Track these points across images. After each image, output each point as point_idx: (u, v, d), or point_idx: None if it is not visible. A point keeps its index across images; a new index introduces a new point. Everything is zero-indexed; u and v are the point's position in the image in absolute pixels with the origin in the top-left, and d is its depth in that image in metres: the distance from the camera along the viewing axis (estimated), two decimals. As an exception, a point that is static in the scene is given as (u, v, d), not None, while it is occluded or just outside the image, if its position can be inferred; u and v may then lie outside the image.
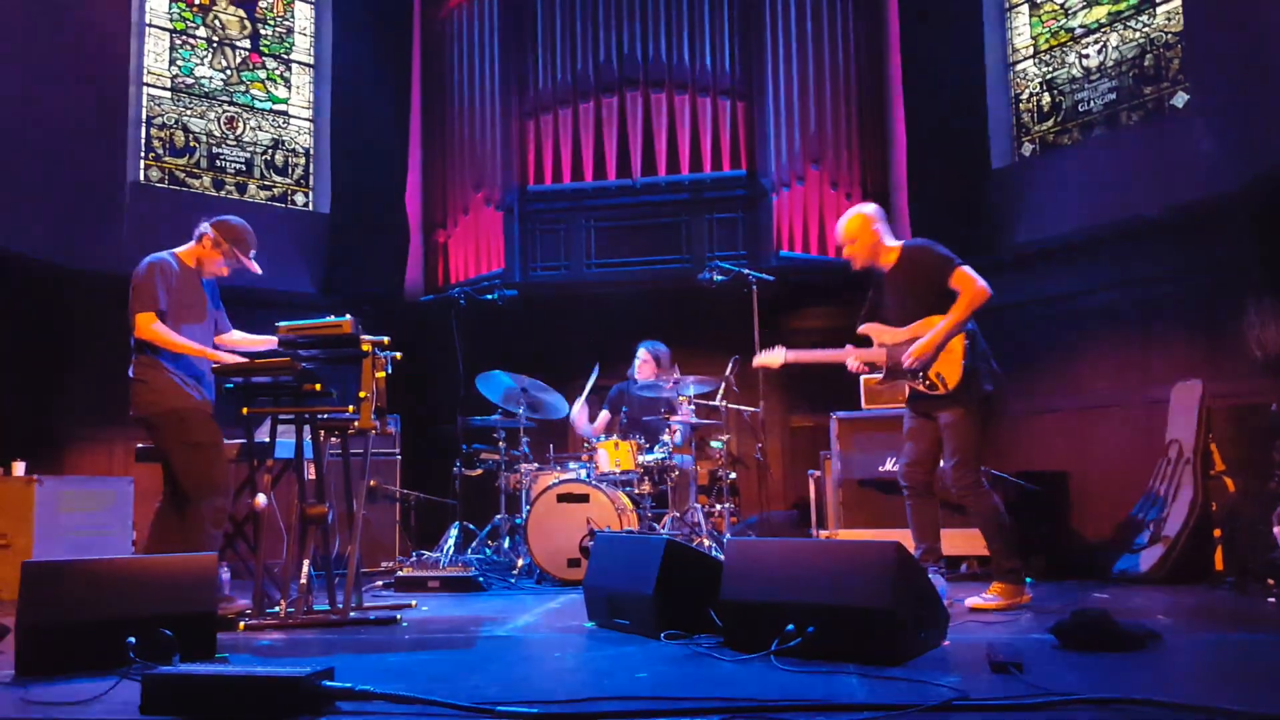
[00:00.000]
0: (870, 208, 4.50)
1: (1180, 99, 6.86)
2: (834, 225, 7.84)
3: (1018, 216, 7.52)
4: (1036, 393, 7.22)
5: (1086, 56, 7.54)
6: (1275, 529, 4.65)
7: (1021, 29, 8.01)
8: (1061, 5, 7.76)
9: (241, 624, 3.85)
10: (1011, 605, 4.09)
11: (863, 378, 5.99)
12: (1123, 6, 7.34)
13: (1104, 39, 7.44)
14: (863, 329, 4.50)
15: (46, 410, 7.14)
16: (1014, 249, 7.33)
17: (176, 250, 4.46)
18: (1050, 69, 7.78)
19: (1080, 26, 7.61)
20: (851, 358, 4.45)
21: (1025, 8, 8.00)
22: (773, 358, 4.64)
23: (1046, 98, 7.77)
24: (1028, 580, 5.02)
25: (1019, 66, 8.00)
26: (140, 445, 4.51)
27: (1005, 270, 7.30)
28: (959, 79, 7.76)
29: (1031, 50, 7.92)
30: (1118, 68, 7.32)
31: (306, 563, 4.10)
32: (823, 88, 8.15)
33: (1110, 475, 6.61)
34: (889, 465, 5.86)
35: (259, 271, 4.58)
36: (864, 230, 4.40)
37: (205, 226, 4.47)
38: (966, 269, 4.20)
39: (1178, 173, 6.43)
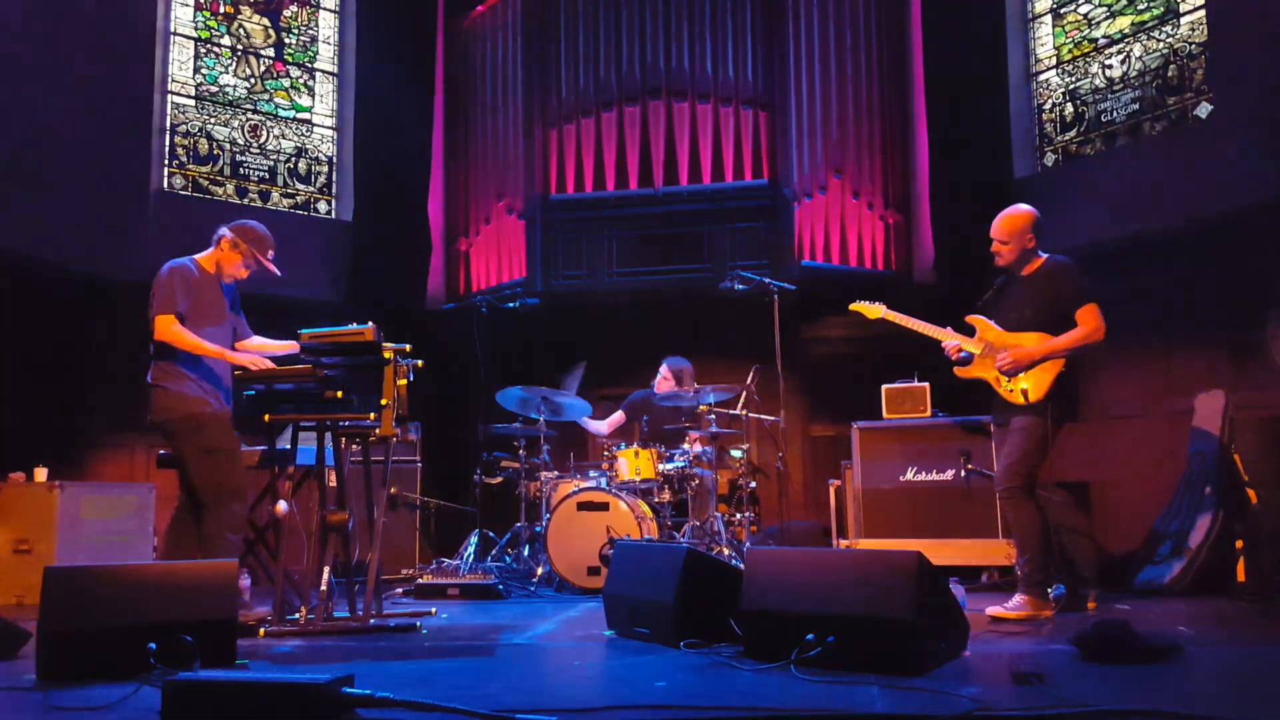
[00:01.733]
0: (1032, 210, 4.49)
1: (1204, 110, 6.81)
2: (855, 235, 7.97)
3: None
4: (1058, 403, 7.17)
5: (1109, 67, 7.50)
6: (1299, 541, 4.62)
7: (1045, 39, 7.98)
8: (1085, 16, 7.73)
9: (262, 630, 3.87)
10: (1034, 617, 4.09)
11: (886, 385, 5.99)
12: (1146, 17, 7.30)
13: (1127, 49, 7.40)
14: (971, 318, 4.52)
15: (69, 416, 7.22)
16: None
17: (196, 256, 4.49)
18: (1073, 79, 7.74)
19: (1103, 37, 7.57)
20: (951, 338, 4.51)
21: (1048, 18, 7.97)
22: (871, 308, 4.80)
23: (1069, 108, 7.73)
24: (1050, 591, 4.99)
25: (1042, 77, 7.96)
26: (161, 452, 4.54)
27: (1027, 280, 7.27)
28: (982, 89, 7.74)
29: (1054, 60, 7.89)
30: (1141, 78, 7.27)
31: (327, 570, 4.12)
32: (845, 97, 8.14)
33: (1132, 486, 6.55)
34: (910, 475, 5.83)
35: (279, 274, 4.60)
36: (1021, 233, 4.42)
37: (223, 230, 4.51)
38: (1096, 308, 4.28)
39: (1201, 183, 6.39)
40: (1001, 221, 4.46)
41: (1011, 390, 4.30)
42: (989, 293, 4.57)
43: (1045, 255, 4.46)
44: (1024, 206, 4.50)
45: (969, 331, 4.51)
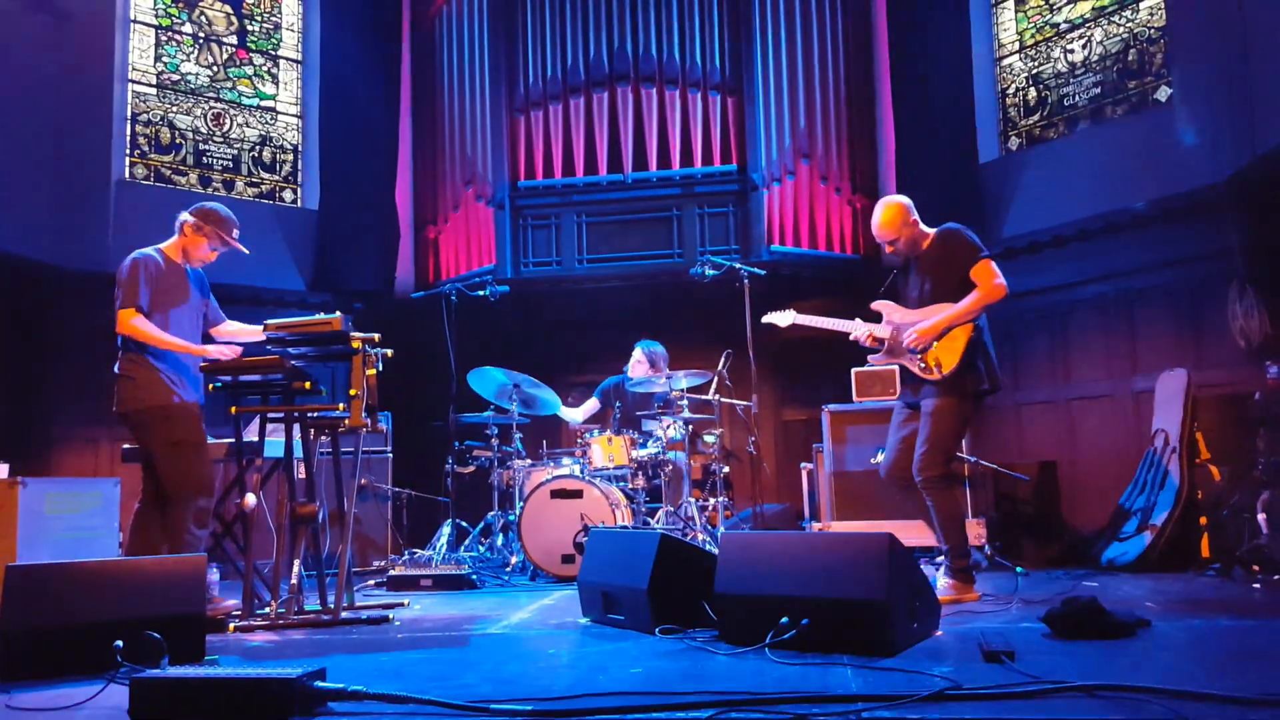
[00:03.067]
0: (898, 198, 4.45)
1: (1164, 93, 6.89)
2: (823, 219, 7.99)
3: (1005, 210, 7.55)
4: (1025, 383, 7.26)
5: (1071, 51, 7.56)
6: (1260, 516, 4.70)
7: (1007, 24, 8.03)
8: (1046, 1, 7.78)
9: (231, 625, 3.84)
10: (960, 601, 4.05)
11: (856, 369, 6.02)
12: (1106, 1, 7.36)
13: (1088, 34, 7.46)
14: (876, 305, 4.50)
15: (31, 410, 7.10)
16: (1002, 242, 7.36)
17: (161, 245, 4.42)
18: (1036, 64, 7.80)
19: (1065, 22, 7.63)
20: (858, 329, 4.47)
21: (1010, 3, 8.02)
22: (782, 318, 4.80)
23: (1032, 92, 7.79)
24: (1019, 570, 5.05)
25: (1005, 61, 8.01)
26: (126, 445, 4.48)
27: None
28: (946, 74, 7.78)
29: (1017, 45, 7.94)
30: (1102, 62, 7.34)
31: (297, 562, 4.09)
32: (812, 83, 8.16)
33: (1098, 465, 6.65)
34: (880, 457, 5.86)
35: (246, 251, 4.54)
36: (904, 221, 4.36)
37: (184, 215, 4.43)
38: (991, 263, 4.20)
39: (1163, 165, 6.48)
40: (880, 222, 4.39)
41: (925, 367, 4.23)
42: (888, 282, 4.55)
43: (932, 230, 4.42)
44: (890, 199, 4.44)
45: (877, 319, 4.48)
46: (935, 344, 4.21)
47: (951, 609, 3.80)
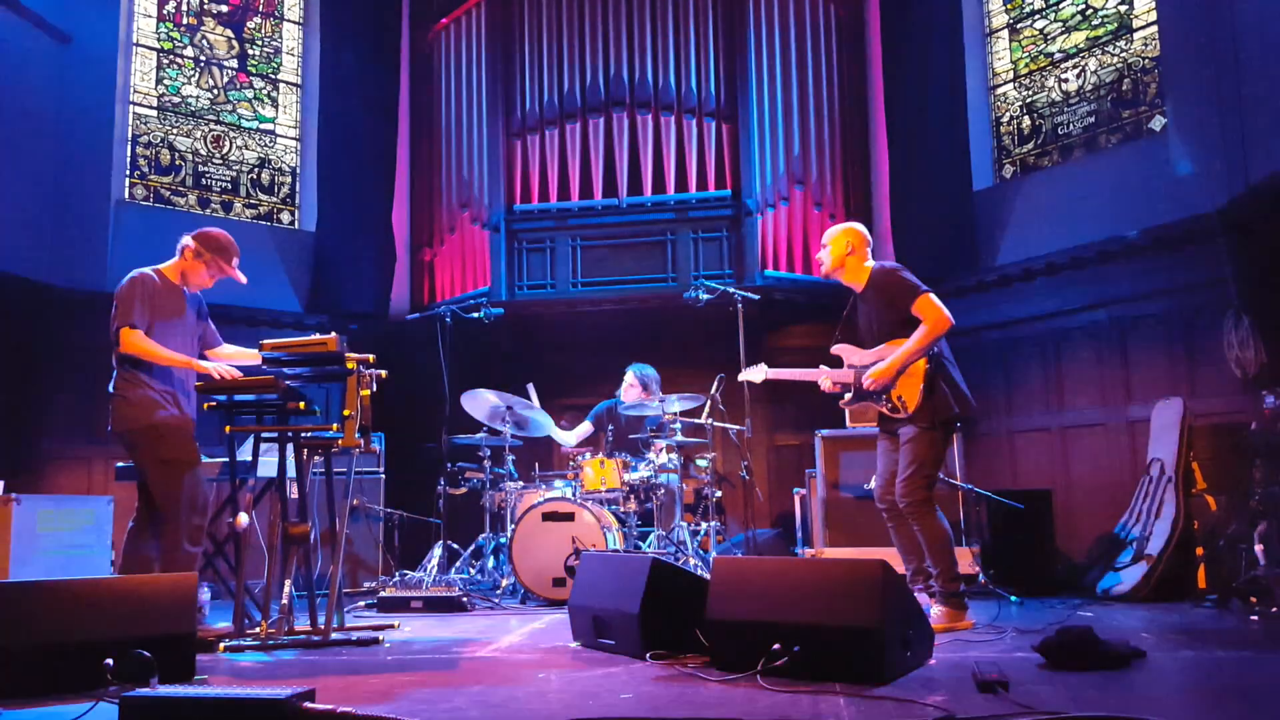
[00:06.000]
0: (858, 225, 4.57)
1: (1158, 122, 6.94)
2: (817, 245, 8.00)
3: (1000, 237, 7.58)
4: (1019, 411, 7.27)
5: (1065, 80, 7.63)
6: (1257, 547, 4.69)
7: (1001, 53, 8.11)
8: (1041, 31, 7.86)
9: (222, 645, 3.81)
10: (951, 629, 4.04)
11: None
12: (1100, 32, 7.44)
13: (1082, 64, 7.53)
14: (835, 349, 4.54)
15: (25, 428, 7.09)
16: (996, 269, 7.39)
17: (159, 266, 4.42)
18: (1030, 93, 7.86)
19: (1059, 51, 7.70)
20: (824, 378, 4.52)
21: (1005, 32, 8.10)
22: (755, 374, 4.84)
23: (1027, 121, 7.85)
24: (1013, 599, 5.04)
25: (999, 90, 8.08)
26: (120, 464, 4.47)
27: (988, 290, 7.37)
28: (941, 101, 7.84)
29: (1011, 74, 8.01)
30: (1096, 92, 7.41)
31: (288, 582, 4.07)
32: (806, 110, 8.23)
33: (1093, 493, 6.65)
34: (874, 484, 5.86)
35: (244, 280, 4.54)
36: (840, 241, 4.47)
37: (186, 239, 4.44)
38: (930, 297, 4.23)
39: (1156, 194, 6.52)
40: (828, 233, 4.55)
41: (891, 406, 4.28)
42: (841, 322, 4.60)
43: (872, 264, 4.47)
44: (842, 226, 4.57)
45: (839, 364, 4.52)
46: (895, 383, 4.25)
47: (945, 637, 3.79)
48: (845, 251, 4.45)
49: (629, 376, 6.55)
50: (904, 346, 4.21)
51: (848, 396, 4.49)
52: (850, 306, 4.59)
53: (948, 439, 4.33)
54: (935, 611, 4.12)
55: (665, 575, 3.51)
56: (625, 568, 3.68)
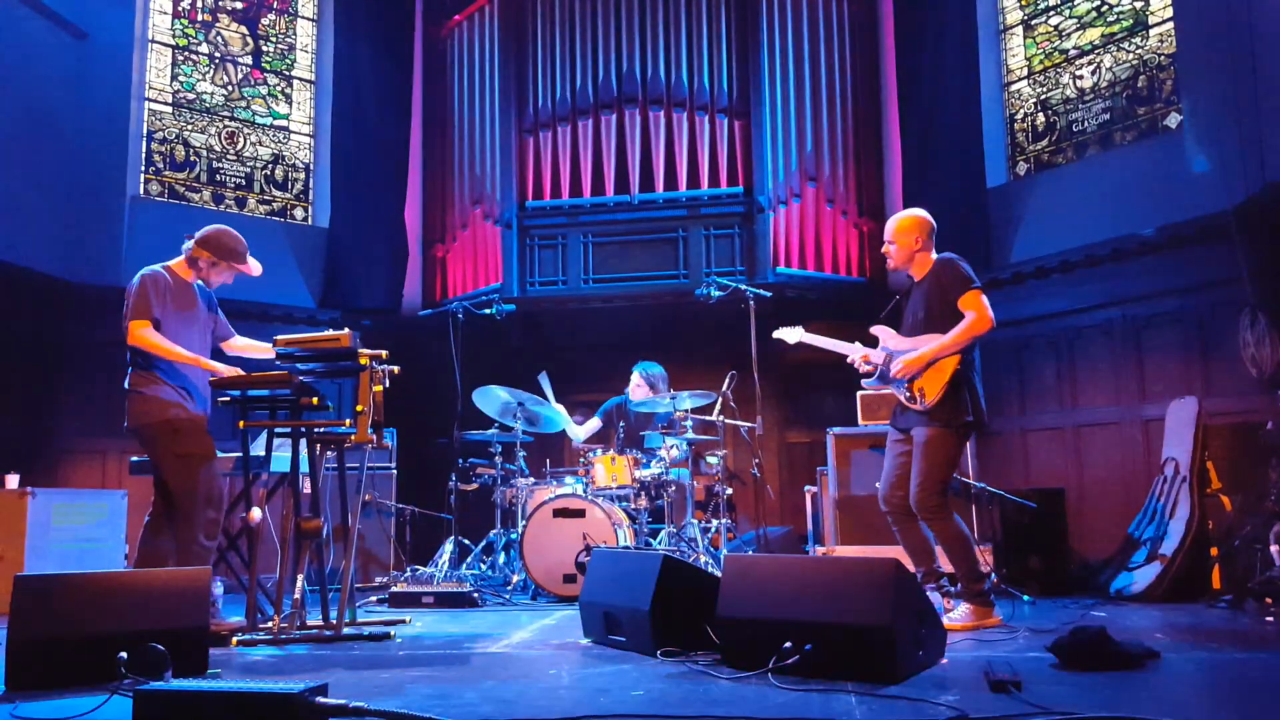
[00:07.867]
0: (923, 214, 4.45)
1: (1174, 119, 6.90)
2: (829, 242, 8.01)
3: (1014, 235, 7.55)
4: (1032, 409, 7.24)
5: (1080, 77, 7.58)
6: (1273, 547, 4.65)
7: (1016, 50, 8.06)
8: (1055, 27, 7.81)
9: (234, 639, 3.83)
10: (980, 626, 4.03)
11: (861, 392, 6.01)
12: (1116, 29, 7.39)
13: (1097, 60, 7.48)
14: (874, 329, 4.51)
15: (41, 423, 7.13)
16: (1010, 267, 7.36)
17: (168, 263, 4.44)
18: (1044, 89, 7.82)
19: (1074, 48, 7.66)
20: (855, 353, 4.49)
21: (1019, 30, 8.05)
22: (791, 334, 4.83)
23: (1041, 118, 7.81)
24: (1025, 598, 5.02)
25: (1014, 87, 8.04)
26: (134, 458, 4.49)
27: (1002, 288, 7.34)
28: (954, 99, 7.80)
29: (1026, 71, 7.97)
30: (1111, 88, 7.36)
31: (300, 577, 4.08)
32: (819, 106, 8.20)
33: (1107, 493, 6.62)
34: (879, 484, 5.84)
35: (259, 271, 4.53)
36: (909, 233, 4.37)
37: (196, 250, 4.38)
38: (980, 294, 4.19)
39: (1172, 192, 6.47)
40: (891, 222, 4.46)
41: (910, 395, 4.24)
42: (891, 305, 4.57)
43: (935, 256, 4.41)
44: (916, 210, 4.48)
45: (874, 344, 4.49)
46: (921, 374, 4.22)
47: (958, 636, 3.77)
48: (915, 246, 4.37)
49: (635, 377, 6.55)
50: (942, 339, 4.16)
51: (872, 378, 4.46)
52: (904, 294, 4.53)
53: (961, 444, 4.28)
54: (963, 609, 4.11)
55: (676, 572, 3.51)
56: (636, 565, 3.68)
